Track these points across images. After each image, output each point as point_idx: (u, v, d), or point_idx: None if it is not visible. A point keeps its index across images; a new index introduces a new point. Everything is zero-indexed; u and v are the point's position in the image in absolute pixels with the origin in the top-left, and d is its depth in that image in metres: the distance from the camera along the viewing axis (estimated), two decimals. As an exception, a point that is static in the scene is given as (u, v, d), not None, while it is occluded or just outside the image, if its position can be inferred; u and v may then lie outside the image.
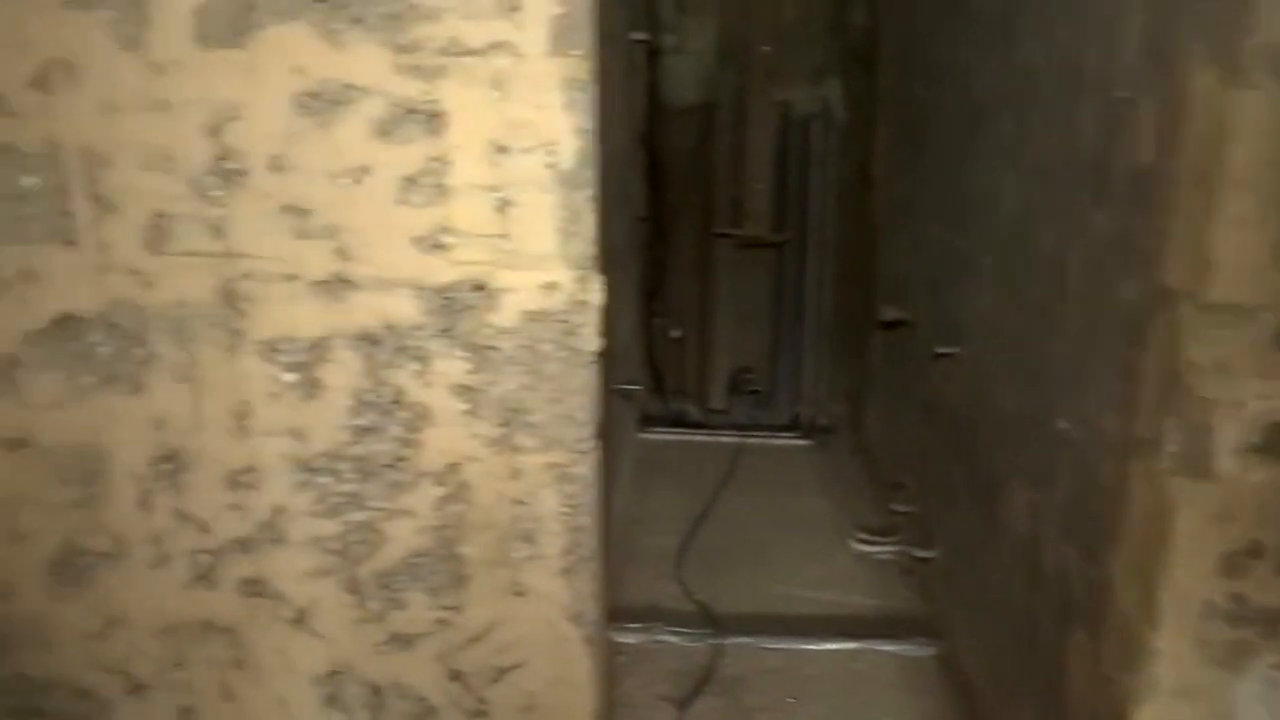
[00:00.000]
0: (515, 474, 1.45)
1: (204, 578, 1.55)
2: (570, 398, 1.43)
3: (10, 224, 1.43)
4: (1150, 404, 1.35)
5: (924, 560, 2.55)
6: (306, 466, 1.48)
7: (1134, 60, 1.42)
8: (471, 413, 1.43)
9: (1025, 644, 1.82)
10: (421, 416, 1.44)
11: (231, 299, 1.43)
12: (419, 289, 1.40)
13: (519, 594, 1.50)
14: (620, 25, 2.67)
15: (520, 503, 1.46)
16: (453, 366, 1.42)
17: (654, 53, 3.38)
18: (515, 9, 1.31)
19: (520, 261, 1.38)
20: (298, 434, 1.47)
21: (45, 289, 1.46)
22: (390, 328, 1.41)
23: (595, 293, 1.41)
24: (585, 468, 1.46)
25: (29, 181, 1.42)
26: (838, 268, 3.50)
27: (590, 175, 1.38)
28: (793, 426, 3.61)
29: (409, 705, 1.58)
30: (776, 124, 3.41)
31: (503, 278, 1.38)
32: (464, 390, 1.43)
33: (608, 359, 1.52)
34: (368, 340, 1.42)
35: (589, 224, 1.39)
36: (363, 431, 1.46)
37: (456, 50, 1.32)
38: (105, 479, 1.52)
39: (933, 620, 2.45)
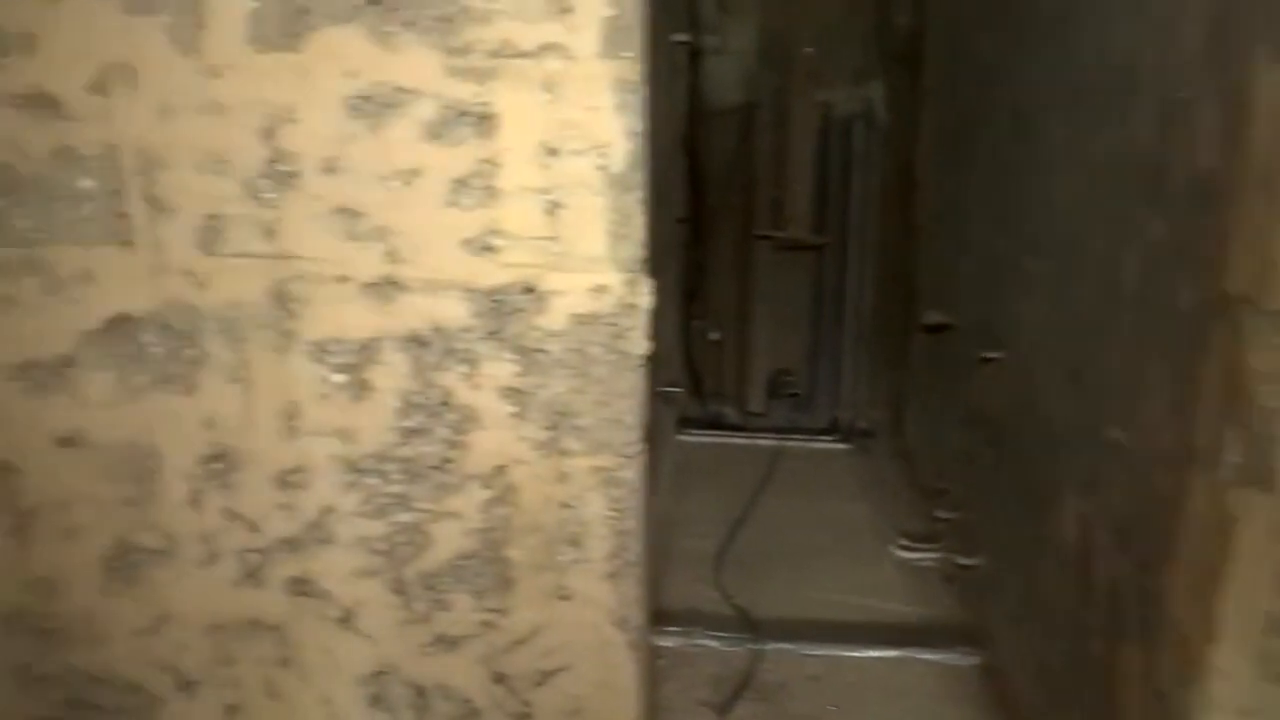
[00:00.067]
0: (562, 477, 1.45)
1: (252, 576, 1.56)
2: (618, 401, 1.43)
3: (68, 225, 1.46)
4: (1210, 413, 1.32)
5: (967, 568, 2.52)
6: (354, 467, 1.49)
7: (1194, 59, 1.39)
8: (519, 415, 1.43)
9: (1073, 656, 1.78)
10: (469, 419, 1.44)
11: (282, 300, 1.44)
12: (468, 291, 1.40)
13: (564, 598, 1.50)
14: (662, 26, 2.66)
15: (567, 506, 1.46)
16: (501, 369, 1.42)
17: (695, 54, 3.37)
18: (567, 11, 1.30)
19: (570, 264, 1.37)
20: (346, 435, 1.48)
21: (101, 289, 1.48)
22: (439, 330, 1.42)
23: (644, 296, 1.40)
24: (632, 471, 1.45)
25: (87, 183, 1.44)
26: (878, 270, 3.47)
27: (640, 178, 1.37)
28: (832, 430, 3.59)
29: (453, 707, 1.58)
30: (818, 125, 3.39)
31: (552, 280, 1.38)
32: (512, 393, 1.43)
33: (651, 362, 1.51)
34: (416, 342, 1.43)
35: (639, 226, 1.38)
36: (410, 433, 1.46)
37: (508, 52, 1.32)
38: (157, 477, 1.54)
39: (976, 629, 2.41)
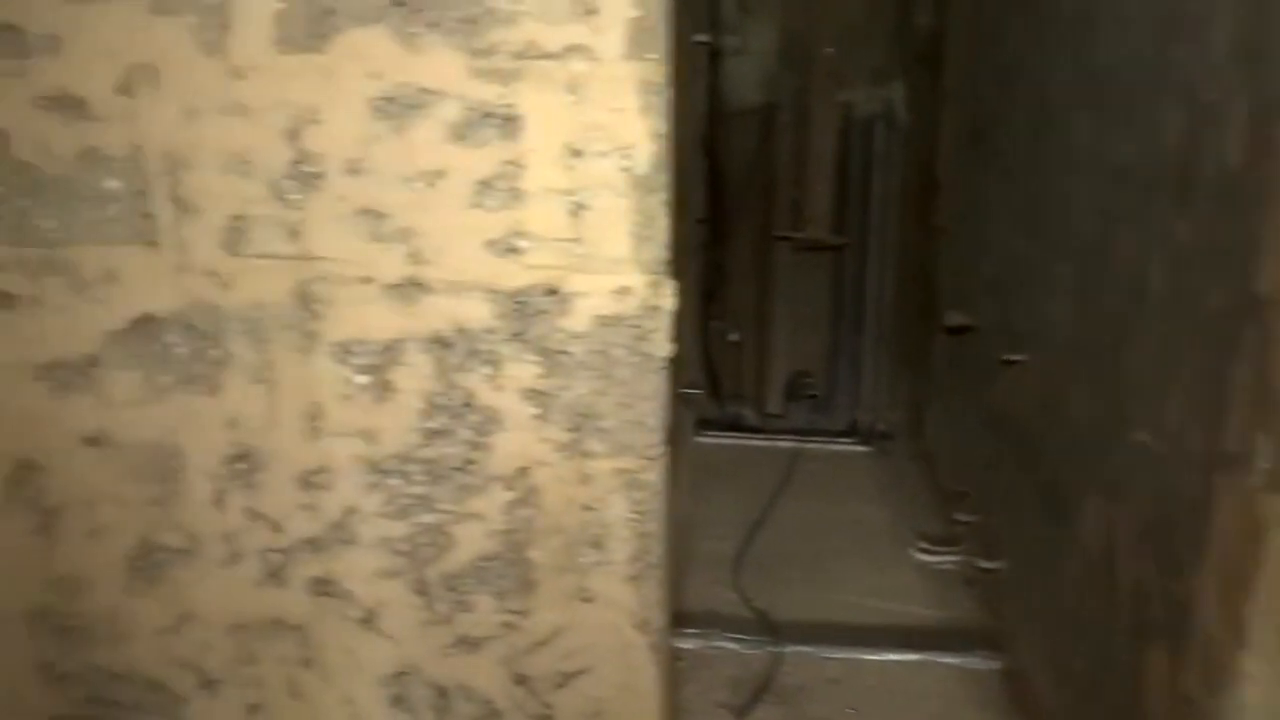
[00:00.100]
0: (584, 479, 1.45)
1: (275, 576, 1.57)
2: (641, 403, 1.42)
3: (93, 225, 1.46)
4: (1240, 417, 1.30)
5: (988, 571, 2.50)
6: (377, 468, 1.49)
7: (1224, 60, 1.37)
8: (542, 417, 1.43)
9: (1097, 660, 1.77)
10: (492, 420, 1.44)
11: (306, 301, 1.44)
12: (491, 293, 1.40)
13: (586, 600, 1.49)
14: (682, 27, 2.65)
15: (589, 508, 1.46)
16: (524, 370, 1.42)
17: (714, 54, 3.36)
18: (592, 12, 1.30)
19: (593, 266, 1.37)
20: (369, 436, 1.48)
21: (126, 289, 1.48)
22: (462, 331, 1.42)
23: (668, 298, 1.39)
24: (654, 474, 1.45)
25: (112, 184, 1.45)
26: (899, 271, 3.45)
27: (665, 179, 1.37)
28: (851, 432, 3.57)
29: (474, 708, 1.58)
30: (838, 126, 3.37)
31: (575, 282, 1.38)
32: (535, 394, 1.42)
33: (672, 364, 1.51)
34: (439, 343, 1.43)
35: (662, 228, 1.38)
36: (433, 434, 1.46)
37: (532, 54, 1.32)
38: (181, 477, 1.55)
39: (997, 633, 2.39)
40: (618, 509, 1.45)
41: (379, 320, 1.43)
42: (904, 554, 2.83)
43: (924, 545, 2.82)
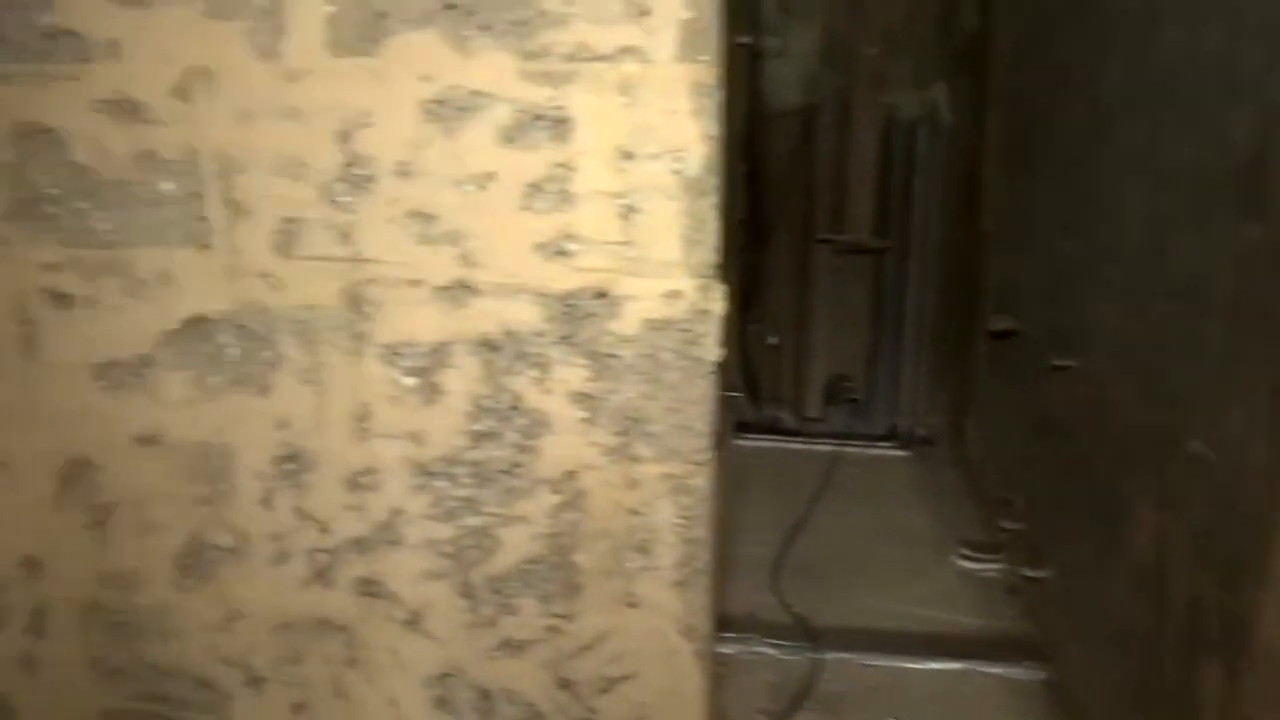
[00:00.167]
0: (632, 484, 1.44)
1: (321, 576, 1.57)
2: (689, 408, 1.41)
3: (148, 228, 1.48)
4: (1306, 428, 1.27)
5: (1033, 580, 2.46)
6: (424, 470, 1.49)
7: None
8: (590, 421, 1.42)
9: (1148, 674, 1.73)
10: (539, 423, 1.44)
11: (356, 303, 1.45)
12: (540, 295, 1.39)
13: (632, 605, 1.49)
14: (725, 29, 2.64)
15: (636, 513, 1.45)
16: (572, 374, 1.41)
17: (756, 55, 3.34)
18: (645, 14, 1.29)
19: (643, 269, 1.36)
20: (416, 438, 1.48)
21: (179, 291, 1.50)
22: (511, 334, 1.41)
23: (717, 302, 1.38)
24: (702, 479, 1.44)
25: (167, 186, 1.46)
26: (941, 275, 3.41)
27: (715, 182, 1.36)
28: (890, 437, 3.54)
29: (517, 711, 1.58)
30: (880, 128, 3.34)
31: (625, 285, 1.37)
32: (583, 398, 1.42)
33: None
34: (488, 346, 1.43)
35: (713, 231, 1.37)
36: (480, 437, 1.46)
37: (584, 56, 1.31)
38: (230, 476, 1.56)
39: (1042, 643, 2.36)
40: (665, 514, 1.44)
41: (428, 322, 1.43)
42: (946, 561, 2.80)
43: (966, 552, 2.79)
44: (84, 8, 1.41)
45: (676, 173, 1.34)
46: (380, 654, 1.59)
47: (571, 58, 1.32)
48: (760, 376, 3.62)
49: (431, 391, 1.46)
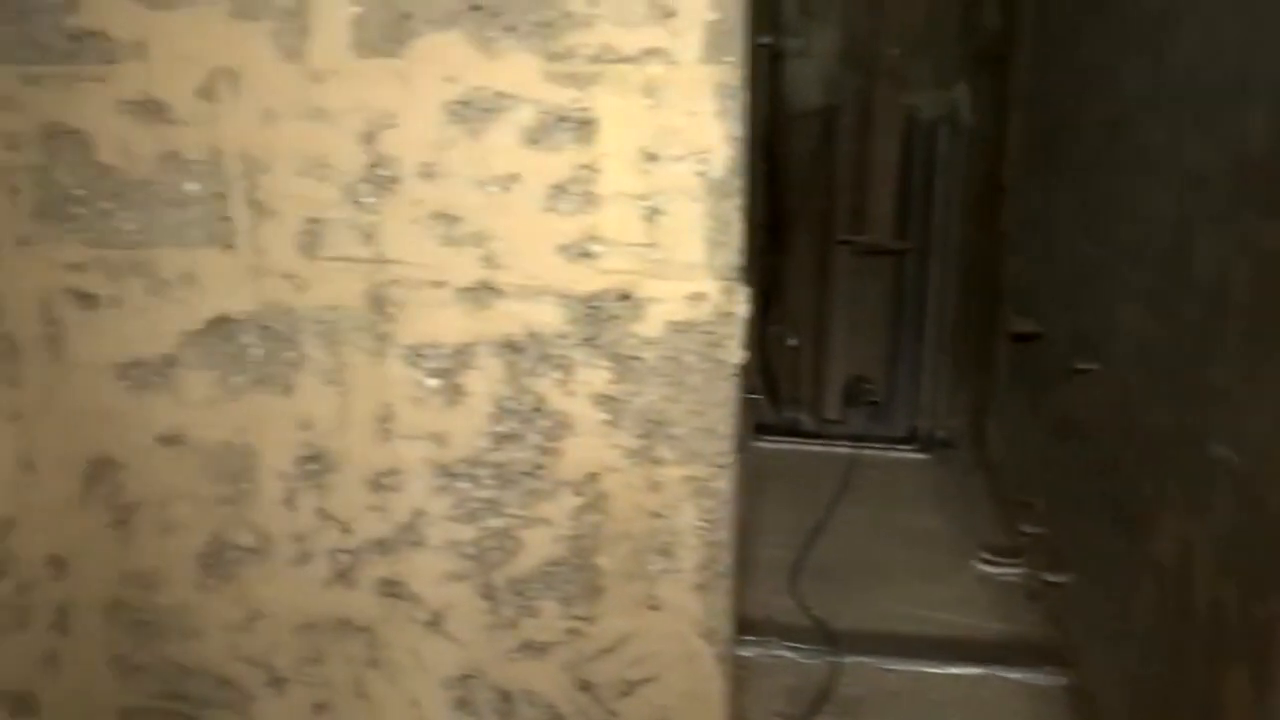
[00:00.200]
0: (654, 486, 1.43)
1: (343, 576, 1.58)
2: (712, 410, 1.40)
3: (173, 228, 1.49)
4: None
5: (1054, 584, 2.44)
6: (446, 471, 1.49)
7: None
8: (612, 423, 1.42)
9: (1171, 680, 1.71)
10: (562, 425, 1.44)
11: (379, 304, 1.45)
12: (564, 297, 1.39)
13: (653, 608, 1.48)
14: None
15: (658, 515, 1.44)
16: (595, 376, 1.41)
17: (776, 56, 3.33)
18: (670, 15, 1.29)
19: (667, 271, 1.36)
20: (439, 439, 1.48)
21: (203, 291, 1.51)
22: (534, 336, 1.41)
23: (741, 304, 1.38)
24: (724, 482, 1.43)
25: (192, 187, 1.47)
26: (961, 277, 3.39)
27: (739, 184, 1.35)
28: (910, 439, 3.51)
29: (538, 713, 1.58)
30: (901, 128, 3.32)
31: (649, 287, 1.37)
32: (605, 400, 1.41)
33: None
34: (511, 348, 1.42)
35: (737, 234, 1.36)
36: (503, 438, 1.46)
37: (609, 57, 1.31)
38: (253, 476, 1.56)
39: (1063, 648, 2.34)
40: (687, 517, 1.44)
41: (451, 324, 1.43)
42: (966, 565, 2.77)
43: (986, 556, 2.76)
44: (110, 9, 1.42)
45: (701, 174, 1.33)
46: (402, 655, 1.59)
47: (596, 59, 1.31)
48: (779, 378, 3.61)
49: (454, 393, 1.46)
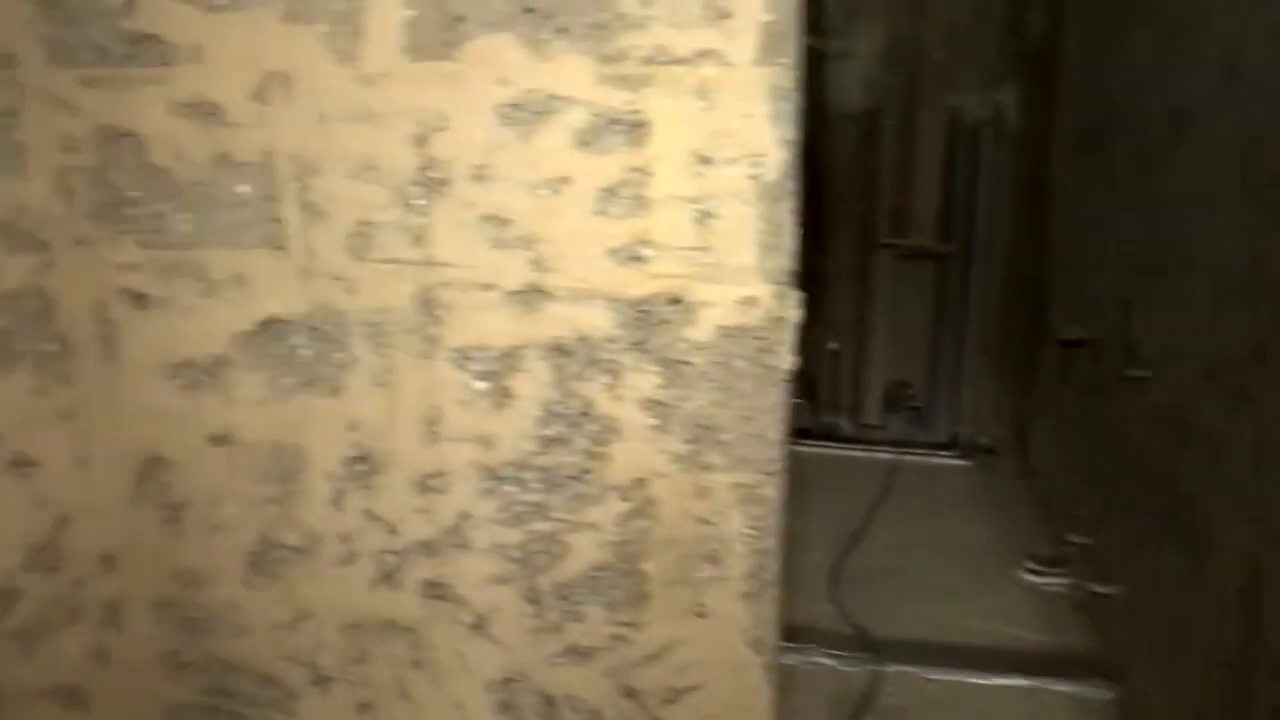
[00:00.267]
0: (702, 492, 1.42)
1: (389, 578, 1.58)
2: (761, 417, 1.39)
3: (225, 229, 1.50)
4: None
5: (1101, 596, 2.40)
6: (493, 474, 1.49)
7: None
8: (661, 428, 1.41)
9: (1232, 701, 1.67)
10: (610, 430, 1.43)
11: (429, 306, 1.45)
12: (613, 301, 1.38)
13: (700, 615, 1.47)
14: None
15: (706, 522, 1.43)
16: (644, 380, 1.40)
17: (818, 57, 3.30)
18: (725, 17, 1.27)
19: (718, 275, 1.34)
20: (486, 442, 1.48)
21: (254, 292, 1.51)
22: (583, 339, 1.40)
23: (792, 309, 1.36)
24: (773, 489, 1.42)
25: (244, 189, 1.47)
26: (1005, 281, 3.34)
27: (792, 187, 1.33)
28: (951, 445, 3.47)
29: (581, 719, 1.57)
30: (945, 131, 3.28)
31: (700, 291, 1.35)
32: (654, 405, 1.40)
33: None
34: (559, 351, 1.42)
35: (789, 238, 1.35)
36: (550, 442, 1.45)
37: (662, 59, 1.30)
38: (301, 477, 1.57)
39: (1111, 661, 2.29)
40: (735, 524, 1.42)
41: (499, 327, 1.43)
42: (1010, 574, 2.73)
43: (1031, 565, 2.72)
44: (166, 13, 1.43)
45: (753, 178, 1.31)
46: (446, 656, 1.59)
47: (649, 61, 1.30)
48: (819, 382, 3.58)
49: (502, 396, 1.45)
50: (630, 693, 1.53)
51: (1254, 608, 1.60)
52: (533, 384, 1.44)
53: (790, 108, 1.31)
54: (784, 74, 1.30)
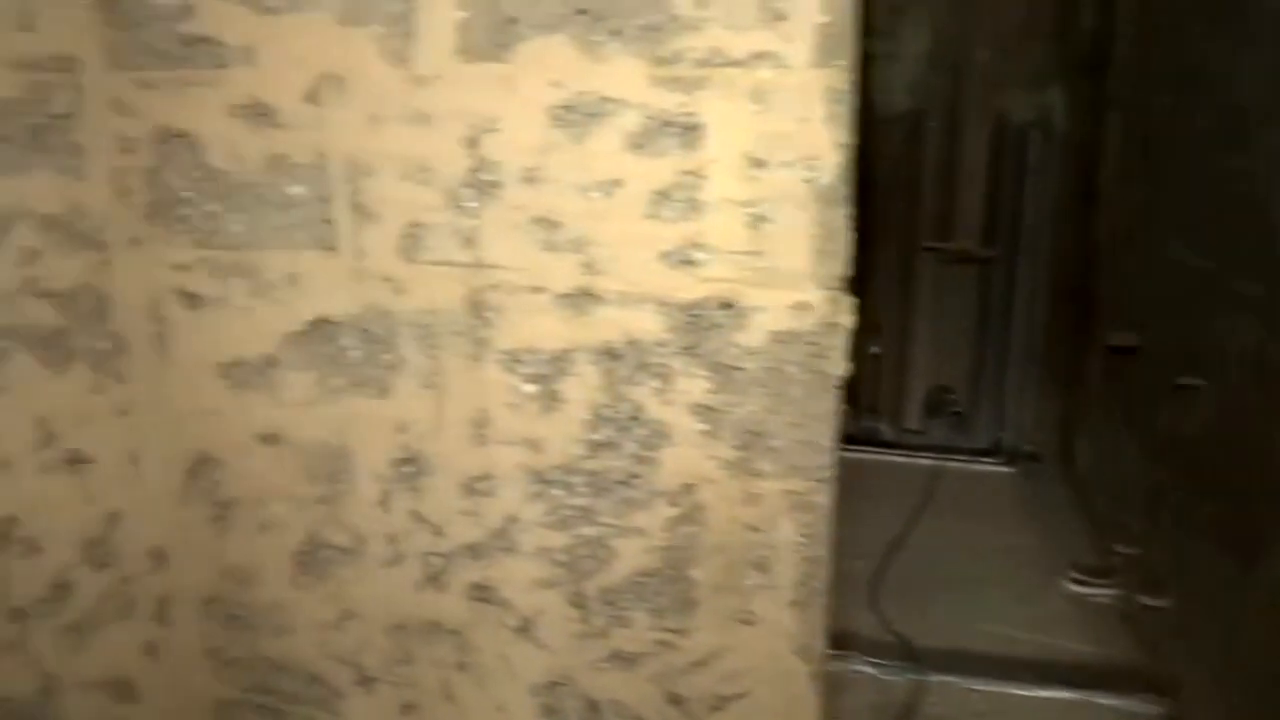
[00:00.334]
0: (751, 499, 1.40)
1: (435, 580, 1.58)
2: (813, 423, 1.37)
3: (277, 230, 1.51)
4: None
5: (1151, 608, 2.35)
6: (540, 478, 1.48)
7: None
8: (711, 434, 1.39)
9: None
10: (659, 434, 1.42)
11: (478, 309, 1.44)
12: (664, 305, 1.37)
13: (747, 623, 1.45)
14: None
15: (755, 529, 1.41)
16: (694, 385, 1.38)
17: (864, 59, 3.27)
18: (780, 18, 1.26)
19: (772, 280, 1.33)
20: (534, 445, 1.47)
21: (305, 293, 1.52)
22: (633, 343, 1.39)
23: (846, 315, 1.34)
24: (823, 497, 1.40)
25: (297, 190, 1.48)
26: (1051, 286, 3.29)
27: (847, 192, 1.32)
28: (994, 452, 3.42)
29: (626, 724, 1.56)
30: (990, 133, 3.23)
31: (752, 296, 1.34)
32: (704, 410, 1.39)
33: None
34: (609, 355, 1.41)
35: (844, 242, 1.33)
36: (598, 446, 1.45)
37: (717, 61, 1.28)
38: (349, 477, 1.58)
39: (1161, 676, 2.24)
40: (785, 531, 1.41)
41: (549, 330, 1.42)
42: (1055, 584, 2.68)
43: (1076, 575, 2.67)
44: (222, 15, 1.44)
45: (808, 181, 1.30)
46: (490, 659, 1.59)
47: (704, 63, 1.29)
48: (859, 386, 3.54)
49: (551, 399, 1.45)
50: (676, 699, 1.52)
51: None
52: (582, 387, 1.43)
53: (846, 110, 1.30)
54: (840, 76, 1.28)
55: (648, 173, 1.34)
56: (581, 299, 1.40)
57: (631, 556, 1.48)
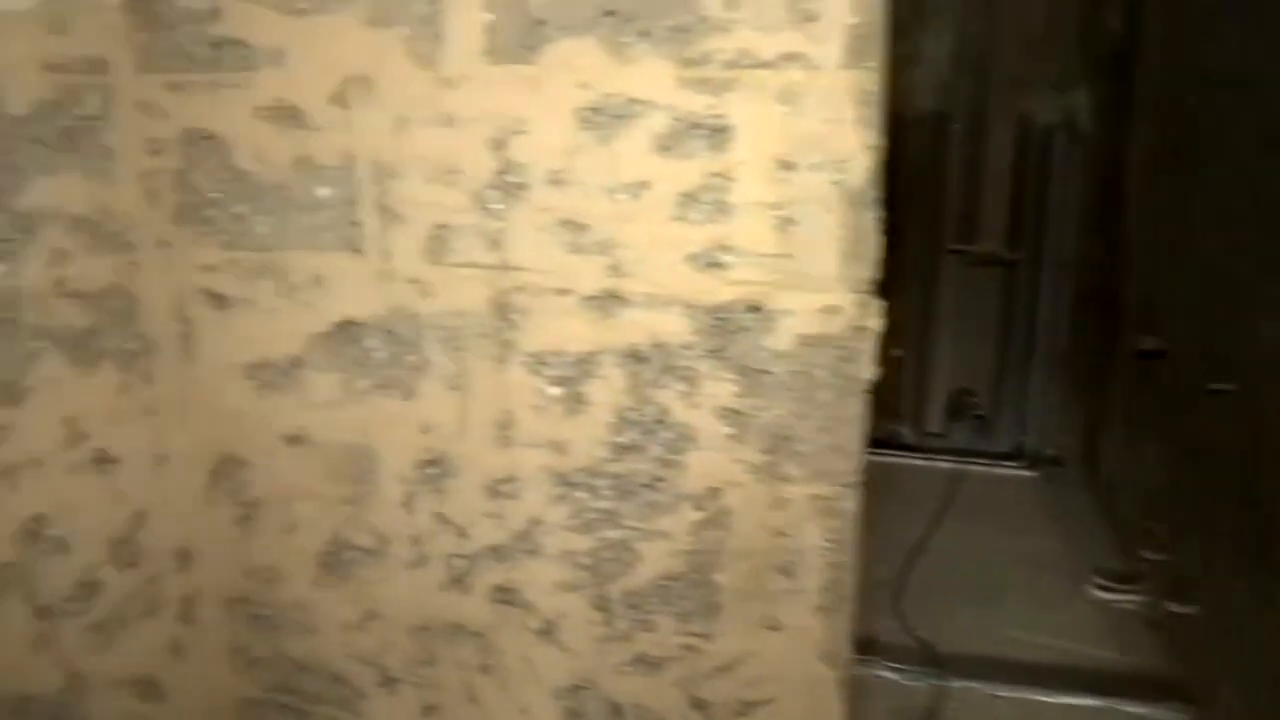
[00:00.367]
0: (778, 504, 1.39)
1: (458, 581, 1.58)
2: (841, 428, 1.36)
3: (304, 232, 1.51)
4: None
5: (1177, 616, 2.32)
6: (565, 480, 1.48)
7: None
8: (737, 437, 1.38)
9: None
10: (685, 438, 1.41)
11: (503, 311, 1.44)
12: (691, 308, 1.36)
13: (773, 628, 1.44)
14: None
15: (781, 534, 1.40)
16: (721, 389, 1.38)
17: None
18: (810, 20, 1.25)
19: (800, 283, 1.32)
20: (559, 447, 1.47)
21: (331, 294, 1.52)
22: (659, 346, 1.39)
23: (875, 319, 1.33)
24: (850, 502, 1.39)
25: (324, 192, 1.48)
26: (1075, 289, 3.26)
27: (876, 195, 1.31)
28: (1016, 456, 3.39)
29: (649, 728, 1.55)
30: (1015, 135, 3.21)
31: (780, 299, 1.33)
32: (731, 414, 1.38)
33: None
34: (635, 358, 1.40)
35: (873, 245, 1.32)
36: (623, 449, 1.44)
37: (746, 63, 1.27)
38: (374, 479, 1.58)
39: (1188, 684, 2.21)
40: (811, 537, 1.40)
41: (575, 332, 1.42)
42: (1079, 590, 2.66)
43: (1102, 582, 2.64)
44: (250, 18, 1.45)
45: (837, 184, 1.29)
46: (513, 662, 1.59)
47: (733, 65, 1.28)
48: (881, 388, 3.52)
49: (576, 402, 1.44)
50: (700, 704, 1.51)
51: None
52: (607, 390, 1.42)
53: (875, 112, 1.29)
54: (870, 78, 1.27)
55: (675, 175, 1.33)
56: (607, 301, 1.39)
57: (656, 560, 1.47)
